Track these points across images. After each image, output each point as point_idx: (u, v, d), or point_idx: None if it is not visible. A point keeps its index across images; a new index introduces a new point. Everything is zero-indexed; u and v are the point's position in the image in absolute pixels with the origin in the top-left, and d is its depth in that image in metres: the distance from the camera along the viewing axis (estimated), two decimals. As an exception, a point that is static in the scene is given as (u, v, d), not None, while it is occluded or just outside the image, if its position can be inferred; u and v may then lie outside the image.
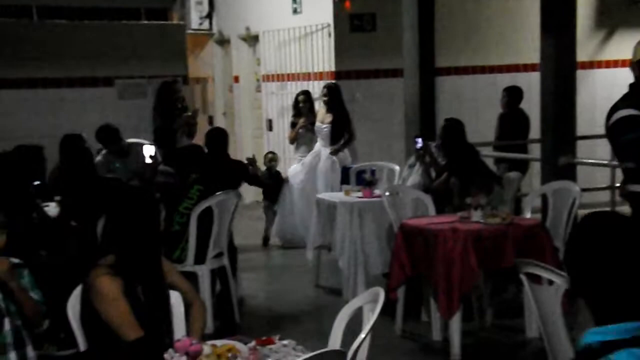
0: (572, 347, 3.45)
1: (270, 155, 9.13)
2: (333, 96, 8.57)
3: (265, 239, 8.88)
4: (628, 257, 1.89)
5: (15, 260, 3.37)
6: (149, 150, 7.06)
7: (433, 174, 6.84)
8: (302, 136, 8.88)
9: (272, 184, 8.66)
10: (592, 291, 1.95)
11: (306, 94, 9.00)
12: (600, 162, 7.91)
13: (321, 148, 8.66)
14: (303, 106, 8.84)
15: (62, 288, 3.75)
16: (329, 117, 8.53)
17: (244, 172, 6.94)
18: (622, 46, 4.79)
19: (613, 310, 1.90)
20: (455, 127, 6.65)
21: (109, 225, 3.51)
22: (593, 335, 1.89)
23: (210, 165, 6.36)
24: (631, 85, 4.33)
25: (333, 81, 9.20)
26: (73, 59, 9.85)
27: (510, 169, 8.16)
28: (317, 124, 8.65)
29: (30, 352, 3.31)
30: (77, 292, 3.46)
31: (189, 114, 8.87)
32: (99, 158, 7.20)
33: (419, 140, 6.96)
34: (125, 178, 6.86)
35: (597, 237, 1.94)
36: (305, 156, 8.81)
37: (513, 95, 9.06)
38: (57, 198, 6.41)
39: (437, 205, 6.34)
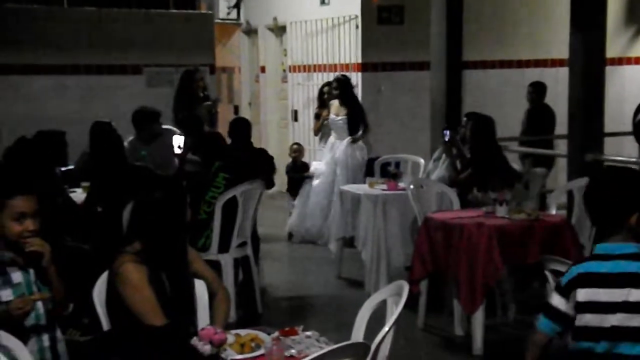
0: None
1: (295, 147, 9.05)
2: (345, 89, 8.49)
3: (290, 233, 8.79)
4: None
5: (10, 255, 3.37)
6: (178, 140, 7.06)
7: (459, 166, 6.81)
8: (326, 127, 8.85)
9: (298, 176, 8.63)
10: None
11: (330, 85, 8.94)
12: (628, 159, 7.83)
13: (335, 141, 8.56)
14: (327, 97, 8.81)
15: (87, 274, 3.78)
16: (343, 110, 8.44)
17: (269, 160, 6.95)
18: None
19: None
20: (485, 122, 6.61)
21: (137, 212, 3.52)
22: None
23: (234, 152, 6.38)
24: None
25: (343, 73, 9.10)
26: (102, 46, 9.90)
27: (536, 164, 8.11)
28: (332, 116, 8.53)
29: (59, 334, 3.35)
30: (102, 278, 3.48)
31: (209, 102, 8.88)
32: (125, 145, 7.21)
33: (447, 132, 6.93)
34: (152, 166, 6.89)
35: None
36: None
37: (538, 90, 9.01)
38: (84, 184, 6.46)
39: (460, 198, 6.33)
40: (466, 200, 6.34)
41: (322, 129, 8.92)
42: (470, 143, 6.58)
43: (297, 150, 8.94)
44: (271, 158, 7.08)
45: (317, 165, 8.71)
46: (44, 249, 3.21)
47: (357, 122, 8.42)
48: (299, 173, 8.72)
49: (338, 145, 8.50)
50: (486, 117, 6.68)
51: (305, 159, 9.23)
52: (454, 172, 6.81)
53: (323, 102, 8.87)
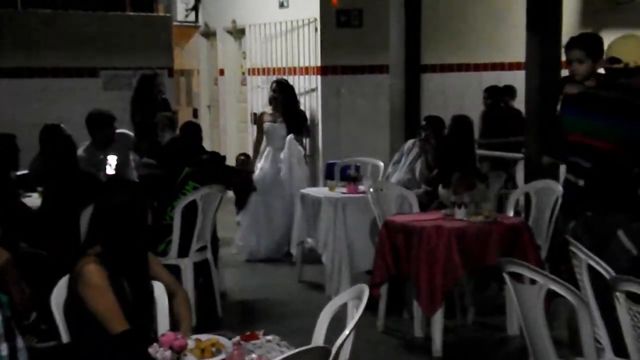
0: (553, 345, 3.49)
1: (242, 158, 8.34)
2: (285, 93, 8.22)
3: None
4: None
5: None
6: (112, 160, 7.01)
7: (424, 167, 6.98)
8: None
9: (244, 190, 7.95)
10: None
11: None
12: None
13: (272, 151, 8.12)
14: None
15: (44, 280, 3.74)
16: (279, 116, 8.12)
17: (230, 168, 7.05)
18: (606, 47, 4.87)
19: None
20: (465, 123, 6.84)
21: (96, 217, 3.49)
22: None
23: (205, 161, 6.41)
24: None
25: (283, 77, 8.94)
26: (57, 48, 9.80)
27: (494, 167, 8.22)
28: (267, 124, 8.14)
29: (20, 343, 3.30)
30: (61, 283, 3.45)
31: (168, 114, 8.47)
32: (80, 152, 7.07)
33: (422, 131, 7.15)
34: (108, 171, 6.84)
35: None
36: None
37: (494, 94, 9.15)
38: (40, 189, 6.38)
39: (431, 197, 6.41)
40: (435, 199, 6.44)
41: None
42: (446, 142, 6.67)
43: (243, 162, 8.20)
44: (224, 159, 7.17)
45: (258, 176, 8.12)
46: (1, 256, 3.17)
47: (296, 129, 8.15)
48: (245, 185, 7.96)
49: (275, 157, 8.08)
50: (463, 117, 6.89)
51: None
52: (427, 170, 6.93)
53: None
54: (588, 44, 4.75)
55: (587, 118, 4.34)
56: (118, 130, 7.52)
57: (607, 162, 4.24)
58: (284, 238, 7.88)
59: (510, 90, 9.37)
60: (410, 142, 7.53)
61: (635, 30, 9.21)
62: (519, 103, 8.34)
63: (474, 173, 6.33)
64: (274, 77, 9.86)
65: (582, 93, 4.50)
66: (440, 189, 6.28)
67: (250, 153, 8.67)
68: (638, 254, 4.03)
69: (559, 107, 4.57)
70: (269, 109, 8.31)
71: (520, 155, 7.82)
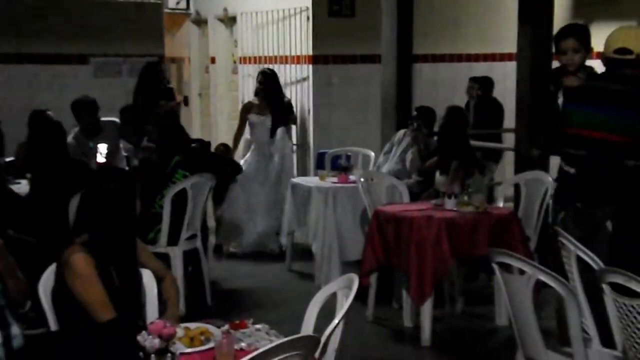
0: (541, 335, 3.50)
1: (221, 148, 7.89)
2: (271, 84, 8.02)
3: (219, 245, 7.94)
4: None
5: None
6: (102, 149, 6.96)
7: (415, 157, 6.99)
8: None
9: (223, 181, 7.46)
10: None
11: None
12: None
13: (254, 141, 7.94)
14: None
15: (32, 267, 3.73)
16: (266, 108, 7.93)
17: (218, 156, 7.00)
18: (597, 39, 4.83)
19: None
20: (459, 112, 6.82)
21: (84, 204, 3.48)
22: None
23: (195, 149, 6.39)
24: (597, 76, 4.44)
25: (269, 67, 8.74)
26: (47, 34, 9.73)
27: (484, 158, 8.22)
28: (254, 116, 7.90)
29: (15, 330, 3.28)
30: (49, 271, 3.44)
31: (173, 103, 8.31)
32: (70, 140, 7.09)
33: (415, 121, 7.13)
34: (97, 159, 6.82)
35: None
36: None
37: (484, 84, 9.15)
38: (29, 175, 6.35)
39: (424, 187, 6.43)
40: (428, 189, 6.45)
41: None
42: (441, 131, 6.67)
43: (222, 153, 7.72)
44: (209, 144, 7.11)
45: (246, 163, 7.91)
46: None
47: (283, 120, 8.01)
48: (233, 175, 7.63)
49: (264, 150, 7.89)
50: (459, 107, 6.89)
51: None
52: (419, 160, 6.94)
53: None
54: (582, 33, 4.72)
55: (593, 111, 4.27)
56: (106, 119, 7.50)
57: (607, 152, 4.20)
58: (267, 233, 7.77)
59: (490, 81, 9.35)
60: (401, 132, 7.53)
61: (628, 21, 9.25)
62: (508, 94, 8.33)
63: (473, 162, 6.33)
64: (266, 66, 9.85)
65: (585, 86, 4.43)
66: (438, 176, 6.29)
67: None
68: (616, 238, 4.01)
69: (560, 101, 4.48)
70: (255, 100, 8.10)
71: (510, 146, 7.84)
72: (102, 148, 6.89)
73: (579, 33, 4.71)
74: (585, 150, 4.29)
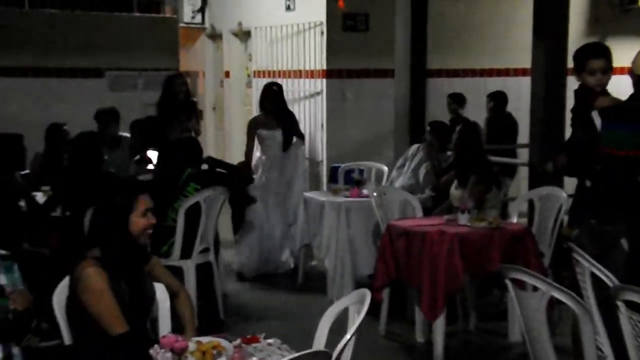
0: (555, 353, 3.48)
1: (243, 166, 7.60)
2: (280, 100, 7.67)
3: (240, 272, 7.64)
4: None
5: (3, 252, 3.36)
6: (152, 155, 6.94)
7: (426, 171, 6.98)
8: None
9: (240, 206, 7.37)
10: None
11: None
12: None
13: (266, 157, 7.62)
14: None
15: (46, 279, 3.74)
16: (274, 122, 7.59)
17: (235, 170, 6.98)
18: (614, 54, 4.81)
19: None
20: (473, 128, 6.84)
21: (96, 218, 3.50)
22: None
23: (207, 162, 6.41)
24: (631, 97, 4.36)
25: (276, 82, 8.29)
26: (64, 48, 9.82)
27: (499, 173, 8.21)
28: (265, 131, 7.55)
29: (15, 350, 3.29)
30: (63, 284, 3.45)
31: (191, 125, 8.06)
32: None
33: (427, 135, 7.14)
34: (115, 170, 6.84)
35: None
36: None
37: (498, 99, 9.14)
38: (45, 188, 6.38)
39: (438, 202, 6.46)
40: (441, 204, 6.43)
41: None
42: (456, 146, 6.64)
43: (245, 171, 7.49)
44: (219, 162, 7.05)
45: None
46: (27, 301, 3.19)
47: (294, 134, 7.71)
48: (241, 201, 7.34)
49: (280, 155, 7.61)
50: (473, 122, 6.88)
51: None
52: (434, 176, 6.92)
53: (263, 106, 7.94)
54: (609, 54, 4.65)
55: (636, 131, 4.21)
56: (122, 133, 7.57)
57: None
58: (276, 251, 7.60)
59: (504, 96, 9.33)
60: (414, 147, 7.53)
61: (638, 39, 9.23)
62: (522, 109, 8.32)
63: (491, 177, 6.29)
64: (280, 80, 9.88)
65: (622, 106, 4.33)
66: (453, 190, 6.26)
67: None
68: (632, 256, 3.98)
69: (598, 124, 4.37)
70: (261, 115, 7.76)
71: (523, 161, 7.82)
72: (152, 155, 6.81)
73: (608, 53, 4.64)
74: (632, 172, 4.20)
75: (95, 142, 6.09)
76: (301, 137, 7.78)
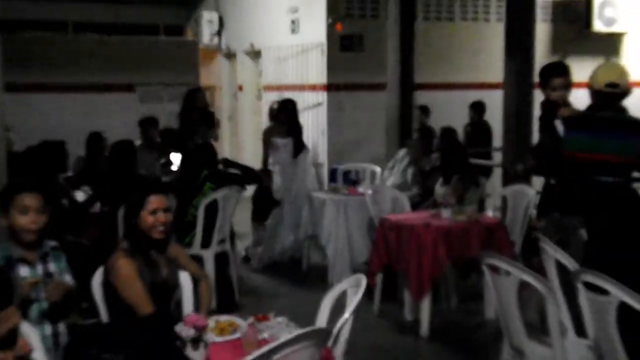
0: (524, 327, 3.49)
1: (264, 173, 7.40)
2: (294, 112, 7.41)
3: (247, 257, 7.50)
4: None
5: (53, 243, 3.37)
6: (175, 159, 6.87)
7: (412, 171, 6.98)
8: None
9: (267, 204, 7.23)
10: None
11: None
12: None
13: (278, 163, 7.35)
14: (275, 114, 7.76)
15: (86, 266, 3.75)
16: (284, 132, 7.32)
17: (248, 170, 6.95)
18: (573, 70, 4.83)
19: None
20: (450, 131, 6.84)
21: (126, 213, 3.50)
22: None
23: (220, 164, 6.41)
24: (589, 107, 4.38)
25: (289, 98, 7.86)
26: (101, 67, 9.86)
27: (476, 173, 8.20)
28: (279, 140, 7.28)
29: (62, 328, 3.29)
30: (99, 270, 3.47)
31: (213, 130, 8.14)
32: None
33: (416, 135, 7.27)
34: (146, 170, 6.86)
35: None
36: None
37: (477, 108, 9.14)
38: (85, 187, 6.39)
39: (423, 199, 6.55)
40: (427, 200, 6.43)
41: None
42: (441, 149, 6.65)
43: (266, 177, 7.33)
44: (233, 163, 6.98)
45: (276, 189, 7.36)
46: (60, 291, 3.20)
47: (301, 144, 7.47)
48: (266, 199, 7.26)
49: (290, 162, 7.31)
50: (452, 128, 6.91)
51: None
52: (420, 176, 6.94)
53: (273, 117, 7.88)
54: (569, 71, 4.67)
55: (600, 137, 4.23)
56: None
57: (615, 173, 4.14)
58: (290, 247, 7.37)
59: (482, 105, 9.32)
60: (402, 151, 7.53)
61: (598, 57, 9.23)
62: (496, 117, 8.31)
63: (471, 177, 6.30)
64: (286, 93, 9.90)
65: (587, 115, 4.35)
66: (438, 187, 6.26)
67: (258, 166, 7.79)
68: (588, 242, 3.97)
69: (560, 131, 4.38)
70: (275, 126, 7.57)
71: (497, 162, 7.82)
72: (176, 158, 6.68)
73: (568, 71, 4.67)
74: (604, 175, 4.21)
75: (131, 148, 6.10)
76: (305, 147, 7.59)
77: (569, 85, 4.63)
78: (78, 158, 7.22)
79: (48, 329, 3.22)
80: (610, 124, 4.17)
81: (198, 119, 7.69)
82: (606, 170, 4.16)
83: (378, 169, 7.85)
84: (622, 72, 4.25)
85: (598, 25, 10.32)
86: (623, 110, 4.22)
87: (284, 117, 7.41)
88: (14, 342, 1.62)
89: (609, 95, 4.19)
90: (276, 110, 7.63)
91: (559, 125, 4.34)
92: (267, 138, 7.55)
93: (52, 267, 3.29)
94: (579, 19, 10.52)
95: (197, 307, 3.52)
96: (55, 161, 5.97)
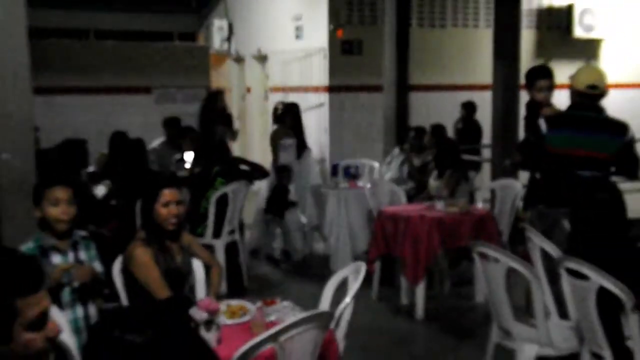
0: (511, 310, 3.49)
1: (285, 172, 7.13)
2: (298, 115, 7.35)
3: (255, 251, 7.17)
4: None
5: (83, 233, 3.38)
6: (189, 157, 6.70)
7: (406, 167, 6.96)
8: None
9: (283, 203, 6.98)
10: None
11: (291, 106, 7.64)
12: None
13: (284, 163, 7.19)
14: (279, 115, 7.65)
15: (107, 255, 3.76)
16: (290, 132, 7.31)
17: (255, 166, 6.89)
18: (556, 73, 4.82)
19: None
20: (440, 128, 6.81)
21: (142, 206, 3.50)
22: None
23: (231, 161, 6.38)
24: (569, 107, 4.38)
25: (295, 103, 7.76)
26: (120, 71, 9.86)
27: (467, 167, 8.19)
28: (289, 140, 7.22)
29: (92, 311, 3.30)
30: (119, 258, 3.47)
31: (234, 129, 7.94)
32: (155, 146, 7.19)
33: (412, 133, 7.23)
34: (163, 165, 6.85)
35: None
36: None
37: (468, 108, 9.12)
38: (106, 182, 6.39)
39: (418, 192, 6.55)
40: (422, 193, 6.41)
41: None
42: (435, 146, 6.63)
43: (286, 175, 7.11)
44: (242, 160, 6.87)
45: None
46: (87, 274, 3.21)
47: (305, 145, 7.47)
48: (283, 198, 7.00)
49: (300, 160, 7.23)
50: (440, 125, 6.90)
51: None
52: (416, 171, 6.93)
53: (277, 118, 7.61)
54: (553, 74, 4.68)
55: (579, 134, 4.23)
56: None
57: (598, 168, 4.14)
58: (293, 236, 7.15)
59: (473, 105, 9.29)
60: (397, 148, 7.52)
61: (578, 60, 9.21)
62: (485, 116, 8.30)
63: (462, 173, 6.29)
64: (291, 94, 9.89)
65: (568, 114, 4.34)
66: (432, 181, 6.25)
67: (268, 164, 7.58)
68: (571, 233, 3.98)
69: (543, 129, 4.37)
70: (282, 128, 7.40)
71: (487, 158, 7.81)
72: (189, 156, 6.65)
73: (551, 74, 4.67)
74: (577, 167, 4.21)
75: (140, 147, 6.04)
76: (307, 147, 7.50)
77: (552, 86, 4.63)
78: (101, 154, 7.21)
79: (80, 311, 3.23)
80: (590, 123, 4.17)
81: (216, 119, 7.73)
82: (585, 165, 4.16)
83: (376, 164, 7.85)
84: (601, 75, 4.26)
85: (579, 32, 10.31)
86: (601, 110, 4.22)
87: (290, 121, 7.36)
88: (44, 325, 1.63)
89: (589, 96, 4.19)
90: (281, 112, 7.59)
91: (542, 124, 4.34)
92: (277, 140, 7.44)
93: (82, 254, 3.30)
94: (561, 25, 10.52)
95: (209, 292, 3.53)
96: (77, 158, 5.96)
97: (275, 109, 7.88)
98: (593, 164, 4.14)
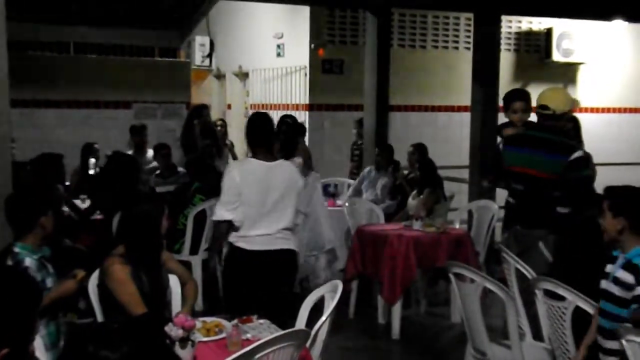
0: (486, 331, 3.52)
1: None
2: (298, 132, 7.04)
3: None
4: None
5: (47, 252, 3.35)
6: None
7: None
8: None
9: None
10: None
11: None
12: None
13: None
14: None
15: (83, 269, 3.73)
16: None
17: None
18: (533, 96, 4.91)
19: None
20: (423, 148, 6.87)
21: (123, 222, 3.50)
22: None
23: (212, 177, 6.35)
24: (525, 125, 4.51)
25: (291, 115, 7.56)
26: (100, 85, 9.81)
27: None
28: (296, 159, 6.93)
29: (61, 322, 3.30)
30: (96, 274, 3.45)
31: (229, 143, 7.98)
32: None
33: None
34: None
35: None
36: None
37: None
38: (83, 196, 6.34)
39: (396, 211, 6.58)
40: (400, 212, 6.43)
41: None
42: (415, 165, 6.68)
43: None
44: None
45: None
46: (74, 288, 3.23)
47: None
48: None
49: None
50: (422, 144, 6.93)
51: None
52: (375, 195, 6.95)
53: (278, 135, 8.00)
54: (528, 97, 4.79)
55: (523, 153, 4.32)
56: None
57: (538, 186, 4.23)
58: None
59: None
60: (367, 168, 7.50)
61: (556, 84, 9.36)
62: (464, 138, 8.37)
63: (441, 192, 6.33)
64: (271, 112, 9.85)
65: (518, 134, 4.47)
66: (411, 200, 6.28)
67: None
68: (553, 261, 4.06)
69: (500, 146, 4.52)
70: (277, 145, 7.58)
71: (465, 179, 7.87)
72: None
73: (527, 97, 4.78)
74: (522, 185, 4.33)
75: (135, 165, 5.93)
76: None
77: (528, 109, 4.73)
78: (75, 169, 7.18)
79: (52, 326, 3.21)
80: (538, 142, 4.25)
81: (200, 134, 7.67)
82: (522, 181, 4.26)
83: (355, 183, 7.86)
84: (556, 97, 4.28)
85: (557, 56, 10.48)
86: (559, 131, 4.25)
87: (286, 134, 7.03)
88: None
89: (540, 115, 4.29)
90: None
91: (501, 144, 4.48)
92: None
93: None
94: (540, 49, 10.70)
95: (183, 308, 3.51)
96: (53, 172, 5.91)
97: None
98: (539, 183, 4.21)
